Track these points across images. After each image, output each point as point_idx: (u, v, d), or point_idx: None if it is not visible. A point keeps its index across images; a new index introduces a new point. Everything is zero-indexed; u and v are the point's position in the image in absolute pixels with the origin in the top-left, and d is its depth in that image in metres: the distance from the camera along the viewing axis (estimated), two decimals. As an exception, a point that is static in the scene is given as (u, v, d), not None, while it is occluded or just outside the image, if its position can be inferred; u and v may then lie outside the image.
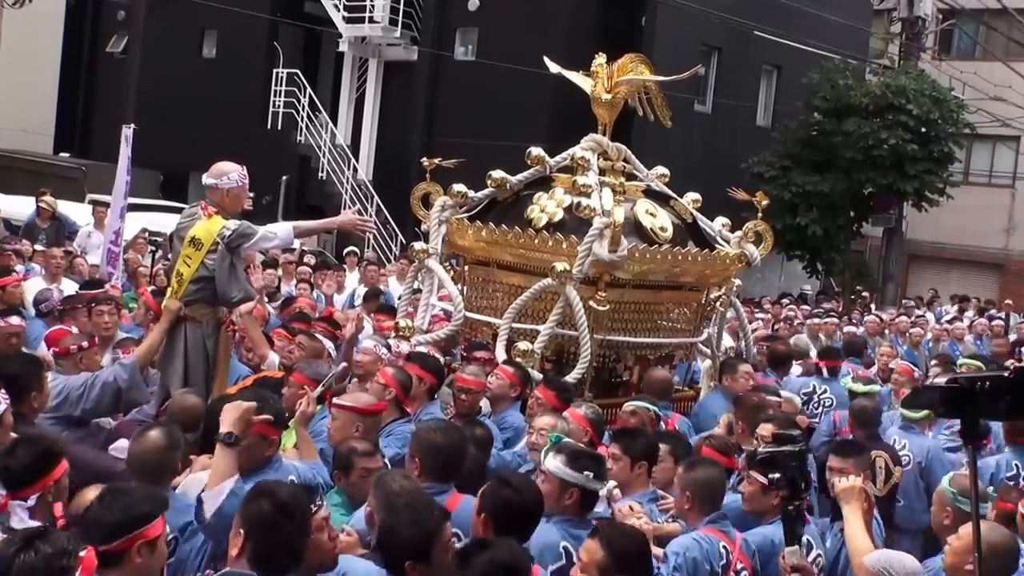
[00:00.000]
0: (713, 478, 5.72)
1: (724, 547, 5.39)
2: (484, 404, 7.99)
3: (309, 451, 6.18)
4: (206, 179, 7.51)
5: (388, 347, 8.69)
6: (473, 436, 6.73)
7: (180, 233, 7.48)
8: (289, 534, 4.14)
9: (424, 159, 9.66)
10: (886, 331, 17.80)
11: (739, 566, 5.38)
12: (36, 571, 3.52)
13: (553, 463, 5.32)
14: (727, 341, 10.97)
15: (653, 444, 6.50)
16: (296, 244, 20.38)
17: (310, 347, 8.32)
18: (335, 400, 6.48)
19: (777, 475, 4.80)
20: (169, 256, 10.20)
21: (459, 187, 9.41)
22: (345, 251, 19.88)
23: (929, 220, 31.24)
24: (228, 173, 7.49)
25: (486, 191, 9.51)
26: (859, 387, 10.13)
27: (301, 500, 4.26)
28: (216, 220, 7.33)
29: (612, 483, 5.53)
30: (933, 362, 11.56)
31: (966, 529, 5.16)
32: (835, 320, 17.67)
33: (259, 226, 7.57)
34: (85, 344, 7.54)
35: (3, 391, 5.25)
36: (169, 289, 7.56)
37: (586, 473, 5.25)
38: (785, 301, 21.76)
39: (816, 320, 17.27)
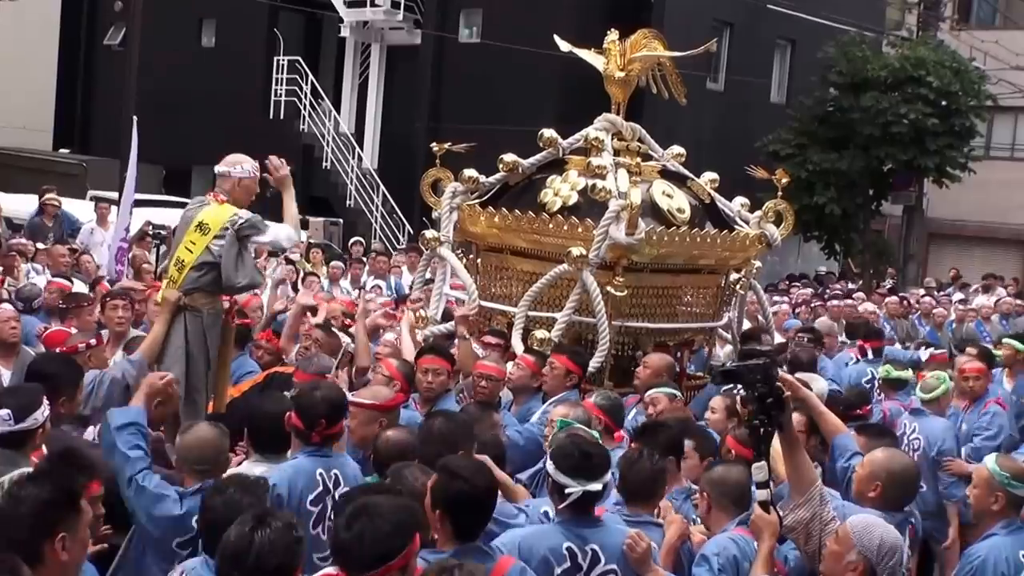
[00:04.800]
0: (737, 478, 5.45)
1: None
2: (504, 394, 7.90)
3: None
4: (219, 168, 7.41)
5: None
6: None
7: (186, 217, 7.37)
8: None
9: (433, 144, 9.47)
10: (909, 314, 17.51)
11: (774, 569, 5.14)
12: (275, 545, 3.88)
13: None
14: (747, 325, 10.71)
15: (676, 437, 6.32)
16: (303, 237, 20.17)
17: (326, 343, 8.19)
18: (352, 398, 6.30)
19: (742, 390, 4.78)
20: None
21: (470, 172, 9.30)
22: (351, 241, 19.64)
23: (949, 197, 30.77)
24: (241, 163, 7.40)
25: (498, 176, 9.40)
26: (892, 372, 9.92)
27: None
28: (226, 207, 7.23)
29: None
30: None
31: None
32: (854, 303, 17.38)
33: (271, 227, 7.45)
34: (93, 342, 7.47)
35: (45, 398, 5.30)
36: (167, 279, 7.41)
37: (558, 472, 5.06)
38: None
39: (837, 302, 16.98)
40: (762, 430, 4.71)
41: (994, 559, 5.64)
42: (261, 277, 7.47)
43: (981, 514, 5.90)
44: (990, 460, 6.04)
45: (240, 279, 7.15)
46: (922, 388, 9.13)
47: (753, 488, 5.05)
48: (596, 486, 4.99)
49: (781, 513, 4.86)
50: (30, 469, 4.66)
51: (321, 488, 5.42)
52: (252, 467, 5.71)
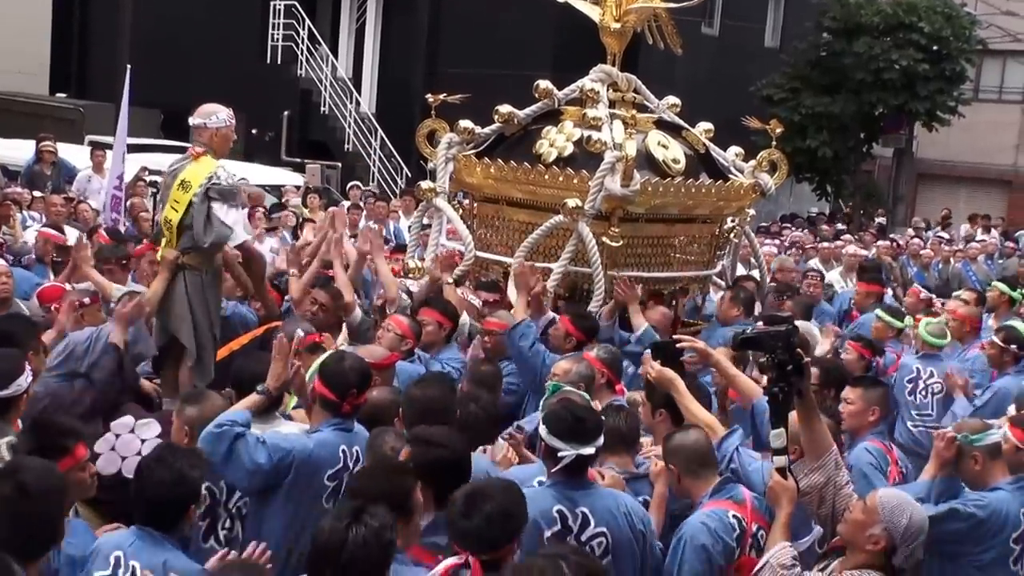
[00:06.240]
0: (694, 441, 5.31)
1: (735, 516, 5.06)
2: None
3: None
4: (194, 119, 7.27)
5: (409, 292, 8.65)
6: (480, 377, 6.79)
7: (170, 176, 7.28)
8: (32, 518, 4.02)
9: (429, 95, 9.49)
10: (899, 255, 17.62)
11: (755, 528, 5.11)
12: (369, 544, 3.83)
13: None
14: (741, 272, 10.88)
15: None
16: (300, 181, 20.23)
17: (331, 305, 8.06)
18: None
19: (762, 357, 4.75)
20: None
21: (465, 123, 9.28)
22: (348, 185, 19.64)
23: (938, 138, 30.98)
24: (216, 112, 7.25)
25: (493, 127, 9.37)
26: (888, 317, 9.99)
27: (46, 480, 4.12)
28: (207, 162, 7.12)
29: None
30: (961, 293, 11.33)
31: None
32: (843, 245, 17.47)
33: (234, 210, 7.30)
34: (87, 300, 7.36)
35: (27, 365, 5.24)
36: (164, 239, 7.35)
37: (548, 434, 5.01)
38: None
39: (827, 244, 17.09)
40: (781, 397, 4.73)
41: (993, 509, 5.68)
42: (229, 230, 7.35)
43: (974, 481, 5.85)
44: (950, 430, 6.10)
45: (207, 238, 7.04)
46: (934, 334, 9.24)
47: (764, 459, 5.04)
48: (589, 450, 4.94)
49: (795, 477, 4.87)
50: (12, 437, 4.81)
51: (340, 465, 5.32)
52: None
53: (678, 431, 5.46)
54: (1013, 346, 8.95)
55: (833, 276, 14.21)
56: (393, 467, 4.65)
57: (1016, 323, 9.56)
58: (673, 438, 5.36)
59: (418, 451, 4.68)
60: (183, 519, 4.56)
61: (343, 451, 5.35)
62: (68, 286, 7.99)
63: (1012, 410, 7.14)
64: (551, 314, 7.99)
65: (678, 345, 5.94)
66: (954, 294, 11.67)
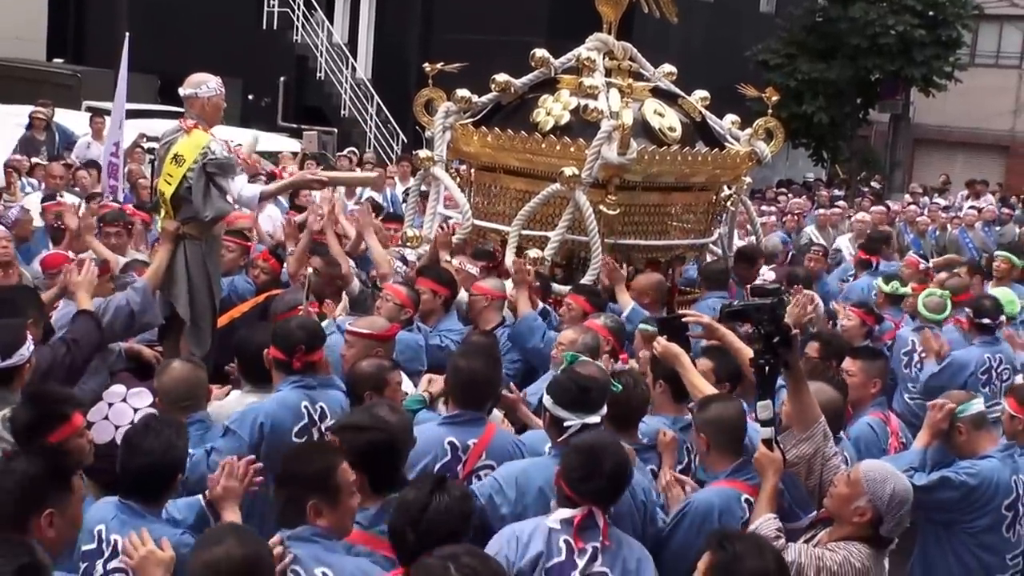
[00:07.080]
0: (732, 416, 5.23)
1: (747, 500, 5.02)
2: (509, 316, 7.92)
3: None
4: (184, 90, 7.24)
5: (404, 260, 8.65)
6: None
7: (163, 148, 7.25)
8: None
9: (426, 64, 9.46)
10: (896, 221, 17.66)
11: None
12: (451, 512, 3.99)
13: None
14: (737, 240, 10.91)
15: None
16: (296, 147, 20.23)
17: (325, 272, 8.12)
18: (349, 327, 6.37)
19: (749, 329, 4.78)
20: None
21: (463, 92, 9.26)
22: (345, 151, 19.64)
23: (935, 104, 31.01)
24: (206, 82, 7.24)
25: (490, 95, 9.35)
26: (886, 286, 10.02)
27: None
28: (199, 135, 7.08)
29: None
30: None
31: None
32: (839, 211, 17.54)
33: (239, 178, 7.34)
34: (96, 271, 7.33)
35: (29, 334, 5.26)
36: (163, 210, 7.35)
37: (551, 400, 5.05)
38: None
39: (823, 211, 17.12)
40: (767, 368, 4.74)
41: (984, 477, 5.76)
42: (229, 206, 7.38)
43: (960, 451, 5.92)
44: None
45: (207, 212, 7.04)
46: (930, 308, 9.20)
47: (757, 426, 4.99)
48: (594, 418, 4.96)
49: (784, 448, 4.86)
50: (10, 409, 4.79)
51: (307, 420, 5.41)
52: (243, 397, 5.86)
53: (717, 400, 5.39)
54: (968, 313, 9.05)
55: (842, 242, 14.25)
56: (313, 446, 4.65)
57: (999, 291, 9.61)
58: (710, 407, 5.28)
59: (347, 438, 4.53)
60: (171, 488, 4.59)
61: (305, 408, 5.46)
62: (70, 254, 7.99)
63: (1020, 379, 7.18)
64: (541, 304, 8.01)
65: (683, 320, 5.95)
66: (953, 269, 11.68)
